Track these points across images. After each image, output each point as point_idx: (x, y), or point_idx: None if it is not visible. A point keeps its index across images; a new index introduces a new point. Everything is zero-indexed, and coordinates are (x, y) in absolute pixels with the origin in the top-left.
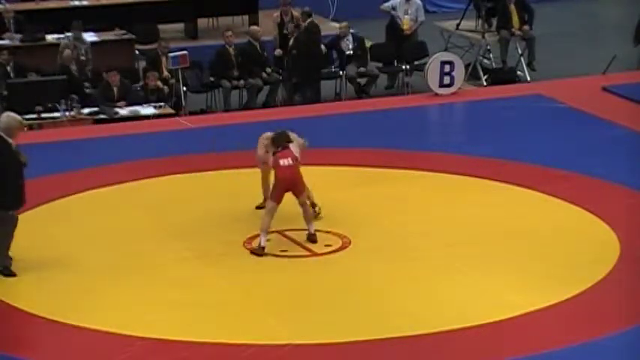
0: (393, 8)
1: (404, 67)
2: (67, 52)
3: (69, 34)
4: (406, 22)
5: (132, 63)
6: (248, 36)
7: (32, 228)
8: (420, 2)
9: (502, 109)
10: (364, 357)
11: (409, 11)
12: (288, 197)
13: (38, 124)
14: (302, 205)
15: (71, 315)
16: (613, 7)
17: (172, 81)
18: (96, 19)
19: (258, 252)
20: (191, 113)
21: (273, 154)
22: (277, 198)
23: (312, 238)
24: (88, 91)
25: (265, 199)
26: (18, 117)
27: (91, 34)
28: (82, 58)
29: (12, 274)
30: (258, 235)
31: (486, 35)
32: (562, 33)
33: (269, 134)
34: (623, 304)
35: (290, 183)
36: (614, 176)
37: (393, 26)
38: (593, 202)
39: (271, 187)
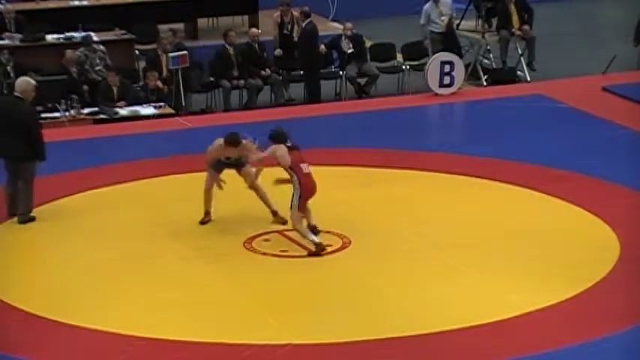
0: (429, 17)
1: (404, 66)
2: (69, 52)
3: (80, 49)
4: (444, 21)
5: (132, 63)
6: (247, 37)
7: (32, 228)
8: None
9: (502, 109)
10: (364, 357)
11: (444, 12)
12: (288, 197)
13: None
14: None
15: (71, 315)
16: (613, 7)
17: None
18: (96, 19)
19: (318, 250)
20: (191, 113)
21: (289, 151)
22: (303, 208)
23: (313, 231)
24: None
25: (207, 212)
26: (32, 80)
27: (91, 34)
28: (98, 67)
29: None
30: (258, 235)
31: (486, 35)
32: (562, 33)
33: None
34: (623, 304)
35: (314, 192)
36: (614, 176)
37: (445, 34)
38: (593, 202)
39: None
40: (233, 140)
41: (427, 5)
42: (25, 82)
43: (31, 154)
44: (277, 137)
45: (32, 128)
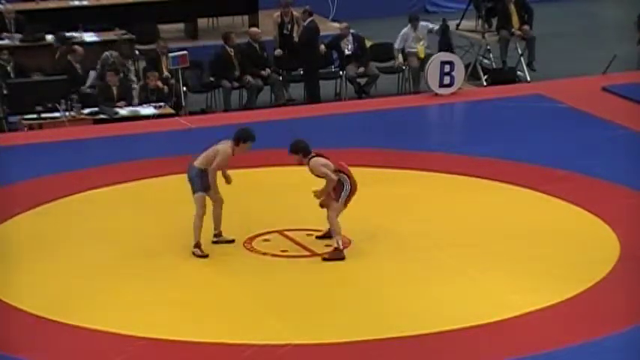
0: (405, 41)
1: (404, 67)
2: (79, 49)
3: (115, 53)
4: (421, 50)
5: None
6: (248, 36)
7: (32, 228)
8: (424, 23)
9: (502, 109)
10: (364, 357)
11: (420, 36)
12: (288, 197)
13: (38, 124)
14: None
15: (71, 315)
16: (613, 7)
17: (172, 81)
18: (96, 19)
19: (338, 256)
20: (191, 113)
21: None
22: (347, 204)
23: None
24: (89, 90)
25: (219, 232)
26: None
27: (91, 34)
28: (125, 80)
29: None
30: (258, 235)
31: (486, 35)
32: (562, 33)
33: (323, 160)
34: (623, 304)
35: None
36: (614, 176)
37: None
38: (593, 202)
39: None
40: (252, 135)
41: (405, 29)
42: None
43: None
44: (304, 148)
45: None
